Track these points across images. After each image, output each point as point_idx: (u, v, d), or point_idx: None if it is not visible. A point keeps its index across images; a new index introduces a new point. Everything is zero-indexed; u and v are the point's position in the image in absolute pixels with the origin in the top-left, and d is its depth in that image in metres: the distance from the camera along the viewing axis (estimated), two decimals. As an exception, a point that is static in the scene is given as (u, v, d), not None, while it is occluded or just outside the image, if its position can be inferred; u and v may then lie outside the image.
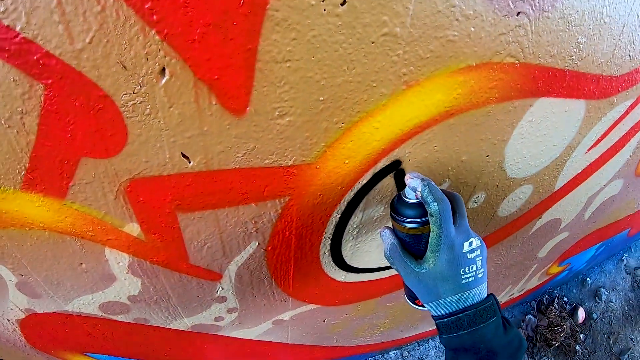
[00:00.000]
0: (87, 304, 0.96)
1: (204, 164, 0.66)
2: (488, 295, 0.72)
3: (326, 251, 1.01)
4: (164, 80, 0.55)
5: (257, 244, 0.89)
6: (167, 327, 1.17)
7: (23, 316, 1.01)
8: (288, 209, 0.82)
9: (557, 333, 2.61)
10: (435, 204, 0.65)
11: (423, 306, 0.77)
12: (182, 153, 0.64)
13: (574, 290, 2.92)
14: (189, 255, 0.86)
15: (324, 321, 1.51)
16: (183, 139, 0.62)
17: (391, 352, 2.44)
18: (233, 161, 0.68)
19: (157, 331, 1.18)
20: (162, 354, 1.39)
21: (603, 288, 2.94)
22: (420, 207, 0.70)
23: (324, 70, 0.61)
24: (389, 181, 0.86)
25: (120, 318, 1.06)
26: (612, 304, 2.92)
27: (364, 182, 0.83)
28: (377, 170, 0.82)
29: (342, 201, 0.86)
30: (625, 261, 3.10)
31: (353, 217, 0.92)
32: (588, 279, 2.96)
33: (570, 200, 1.38)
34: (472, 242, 0.70)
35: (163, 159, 0.64)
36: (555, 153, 1.04)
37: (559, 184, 1.21)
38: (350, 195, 0.85)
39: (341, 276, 1.16)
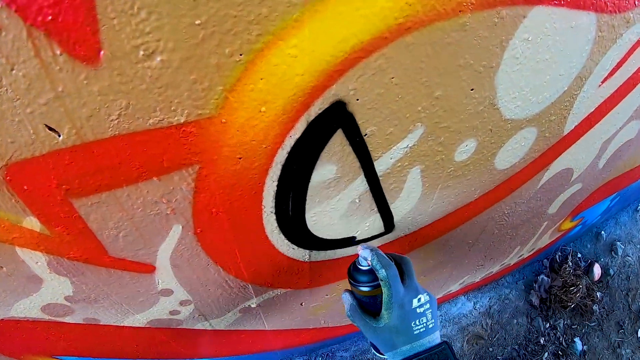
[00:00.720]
0: (28, 308, 0.90)
1: (75, 134, 0.56)
2: (441, 343, 0.81)
3: (274, 228, 0.86)
4: None
5: (180, 227, 0.77)
6: (122, 324, 1.10)
7: (-21, 325, 0.96)
8: (202, 180, 0.69)
9: (573, 293, 2.53)
10: (383, 270, 0.78)
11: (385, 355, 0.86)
12: (45, 125, 0.54)
13: (589, 246, 2.83)
14: (107, 247, 0.76)
15: (301, 304, 1.38)
16: (40, 106, 0.52)
17: None
18: (109, 127, 0.56)
19: (113, 330, 1.12)
20: (129, 350, 1.33)
21: (619, 241, 2.86)
22: (372, 272, 0.82)
23: None
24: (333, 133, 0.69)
25: (68, 320, 1.00)
26: (629, 257, 2.84)
27: (297, 135, 0.67)
28: (311, 117, 0.65)
29: (273, 164, 0.70)
30: None
31: (296, 183, 0.77)
32: (603, 232, 2.87)
33: (582, 145, 1.24)
34: (420, 298, 0.81)
35: (28, 136, 0.54)
36: (562, 85, 0.89)
37: (569, 126, 1.07)
38: (282, 155, 0.69)
39: (304, 256, 1.02)
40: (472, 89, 0.74)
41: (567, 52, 0.81)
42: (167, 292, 0.99)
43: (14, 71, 0.48)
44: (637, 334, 2.60)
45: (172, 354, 1.50)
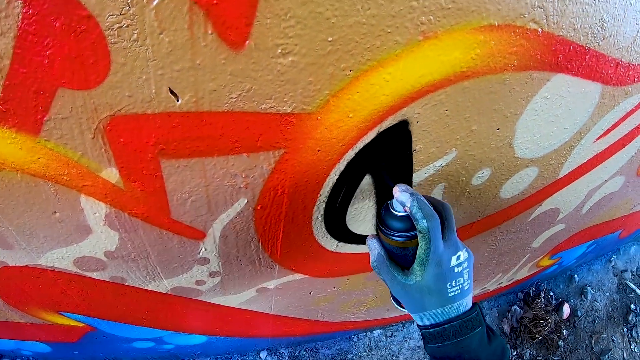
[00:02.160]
0: (61, 258, 0.91)
1: (194, 102, 0.60)
2: (473, 305, 0.73)
3: (319, 216, 0.95)
4: (155, 2, 0.49)
5: (245, 201, 0.83)
6: (145, 288, 1.13)
7: (-6, 269, 0.96)
8: (282, 163, 0.76)
9: (542, 327, 2.61)
10: (425, 220, 0.65)
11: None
12: (169, 89, 0.58)
13: (561, 286, 2.92)
14: (171, 209, 0.80)
15: (310, 293, 1.47)
16: (172, 72, 0.56)
17: (375, 331, 2.42)
18: (226, 103, 0.62)
19: (134, 292, 1.14)
20: (139, 316, 1.36)
21: (589, 287, 2.95)
22: (409, 220, 0.70)
23: (335, 7, 0.56)
24: (392, 144, 0.82)
25: (95, 275, 1.01)
26: (597, 303, 2.93)
27: (367, 141, 0.78)
28: (382, 129, 0.76)
29: (341, 160, 0.80)
30: (613, 262, 3.11)
31: (351, 179, 0.87)
32: (576, 276, 2.96)
33: (572, 190, 1.36)
34: (459, 255, 0.70)
35: (148, 94, 0.58)
36: (565, 137, 1.02)
37: (564, 171, 1.19)
38: (350, 154, 0.79)
39: (333, 245, 1.10)
40: (498, 129, 0.87)
41: (574, 111, 0.93)
42: (204, 261, 1.02)
43: (162, 35, 0.52)
44: None
45: (177, 325, 1.55)
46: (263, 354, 2.23)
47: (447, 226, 0.71)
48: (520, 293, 2.80)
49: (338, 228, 1.03)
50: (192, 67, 0.56)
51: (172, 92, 0.58)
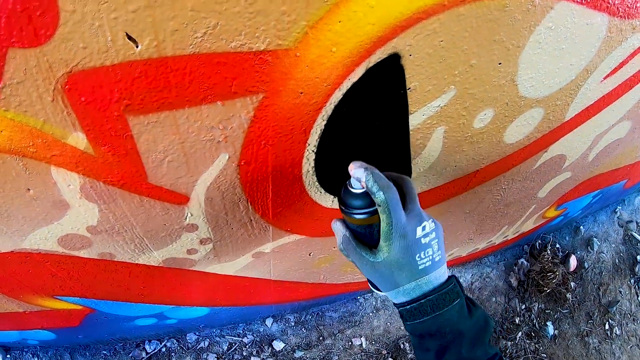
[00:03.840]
0: (44, 239, 0.87)
1: (155, 47, 0.54)
2: (449, 278, 0.73)
3: (310, 168, 0.89)
4: None
5: (227, 156, 0.77)
6: (136, 262, 1.09)
7: (-19, 259, 0.92)
8: (262, 110, 0.69)
9: (549, 279, 2.62)
10: (381, 192, 0.64)
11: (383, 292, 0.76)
12: (126, 34, 0.52)
13: (567, 238, 2.92)
14: (148, 173, 0.75)
15: (309, 254, 1.43)
16: (127, 13, 0.50)
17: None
18: (191, 44, 0.55)
19: (125, 267, 1.10)
20: (135, 292, 1.33)
21: (595, 238, 2.96)
22: (368, 196, 0.68)
23: None
24: (384, 82, 0.75)
25: (82, 254, 0.97)
26: (604, 254, 2.95)
27: (355, 79, 0.70)
28: (370, 64, 0.69)
29: (328, 103, 0.73)
30: (618, 213, 3.12)
31: (341, 125, 0.80)
32: (582, 227, 2.96)
33: (578, 135, 1.32)
34: (425, 226, 0.69)
35: (104, 42, 0.52)
36: (571, 74, 0.96)
37: (570, 113, 1.13)
38: (337, 95, 0.72)
39: (328, 201, 1.05)
40: (500, 63, 0.81)
41: (580, 45, 0.87)
42: (192, 228, 0.98)
43: None
44: (604, 326, 2.71)
45: (175, 298, 1.52)
46: (269, 321, 2.24)
47: (408, 198, 0.70)
48: (526, 246, 2.80)
49: (332, 181, 0.98)
50: (148, 6, 0.50)
51: (129, 37, 0.52)
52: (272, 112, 0.70)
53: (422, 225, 0.69)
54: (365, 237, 0.72)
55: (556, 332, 2.64)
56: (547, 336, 2.63)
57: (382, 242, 0.69)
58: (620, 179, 2.34)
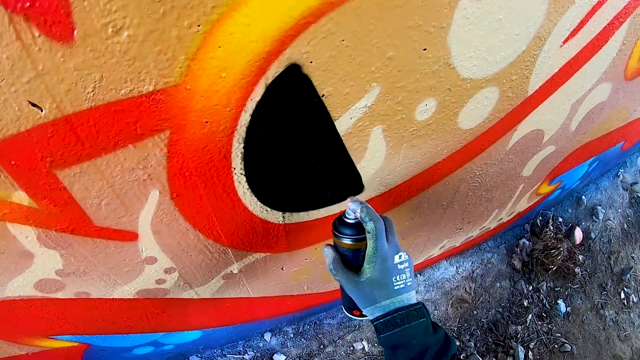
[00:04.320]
0: (22, 286, 0.93)
1: (56, 108, 0.59)
2: (418, 302, 0.84)
3: (245, 190, 0.89)
4: None
5: (157, 192, 0.80)
6: (112, 297, 1.13)
7: (-24, 309, 0.99)
8: (173, 144, 0.72)
9: (554, 256, 2.55)
10: (372, 222, 0.79)
11: (359, 316, 0.89)
12: (29, 102, 0.57)
13: (569, 210, 2.85)
14: (91, 217, 0.80)
15: (282, 269, 1.40)
16: (23, 85, 0.55)
17: None
18: (85, 99, 0.59)
19: (104, 303, 1.15)
20: (122, 325, 1.37)
21: (600, 206, 2.88)
22: (359, 226, 0.83)
23: None
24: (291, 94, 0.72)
25: (60, 295, 1.02)
26: (610, 222, 2.88)
27: (258, 98, 0.70)
28: (269, 80, 0.68)
29: (238, 126, 0.73)
30: (621, 177, 3.04)
31: (261, 144, 0.80)
32: (583, 197, 2.89)
33: (549, 106, 1.26)
34: (401, 255, 0.83)
35: (13, 113, 0.57)
36: (520, 45, 0.91)
37: (533, 86, 1.08)
38: (245, 117, 0.72)
39: (278, 218, 1.04)
40: (424, 49, 0.75)
41: (522, 11, 0.82)
42: (151, 260, 1.01)
43: None
44: (619, 295, 2.65)
45: (163, 326, 1.52)
46: (267, 336, 2.22)
47: (389, 232, 0.84)
48: (526, 225, 2.74)
49: (275, 198, 0.97)
50: (37, 75, 0.55)
51: (33, 104, 0.58)
52: (184, 145, 0.73)
53: (399, 254, 0.83)
54: (352, 260, 0.85)
55: (569, 309, 2.58)
56: (559, 315, 2.56)
57: (366, 265, 0.82)
58: (615, 142, 2.28)
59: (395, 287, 0.82)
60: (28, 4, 0.48)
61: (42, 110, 0.59)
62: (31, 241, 0.80)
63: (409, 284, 0.84)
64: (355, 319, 0.91)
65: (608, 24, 1.07)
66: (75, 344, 1.39)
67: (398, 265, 0.83)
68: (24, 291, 0.95)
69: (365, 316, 0.86)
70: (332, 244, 0.89)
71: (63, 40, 0.53)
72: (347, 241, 0.84)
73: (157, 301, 1.27)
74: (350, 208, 0.82)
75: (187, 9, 0.55)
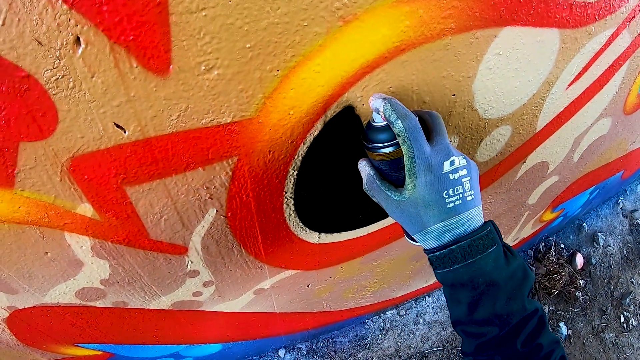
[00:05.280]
0: (63, 293, 0.96)
1: (139, 131, 0.64)
2: (486, 222, 0.66)
3: (291, 212, 0.97)
4: (80, 50, 0.53)
5: (215, 211, 0.86)
6: (148, 307, 1.17)
7: (7, 314, 1.00)
8: (239, 169, 0.78)
9: (556, 281, 2.59)
10: (399, 121, 0.60)
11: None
12: (114, 123, 0.62)
13: (571, 237, 2.90)
14: (148, 231, 0.84)
15: (307, 286, 1.48)
16: (112, 108, 0.60)
17: (388, 312, 2.42)
18: (168, 125, 0.65)
19: (139, 313, 1.18)
20: (150, 335, 1.40)
21: (600, 232, 2.92)
22: (391, 129, 0.65)
23: (245, 15, 0.57)
24: (343, 131, 0.81)
25: (99, 304, 1.05)
26: (611, 248, 2.91)
27: (316, 133, 0.78)
28: (327, 118, 0.76)
29: (296, 156, 0.81)
30: (621, 204, 3.08)
31: (312, 172, 0.87)
32: (584, 224, 2.93)
33: (555, 141, 1.34)
34: (453, 160, 0.63)
35: (97, 132, 0.62)
36: (531, 89, 0.98)
37: (541, 124, 1.16)
38: (303, 149, 0.80)
39: (314, 238, 1.12)
40: (453, 95, 0.85)
41: (535, 62, 0.89)
42: (194, 274, 1.05)
43: (94, 78, 0.55)
44: (619, 319, 2.66)
45: (188, 338, 1.56)
46: (282, 352, 2.25)
47: (434, 131, 0.65)
48: (529, 250, 2.78)
49: (315, 220, 1.04)
50: (128, 100, 0.59)
51: (118, 126, 0.62)
52: (247, 170, 0.79)
53: (450, 159, 0.63)
54: (391, 175, 0.69)
55: (570, 332, 2.61)
56: (561, 337, 2.59)
57: (407, 178, 0.64)
58: (615, 172, 2.32)
59: (449, 205, 0.63)
60: (132, 37, 0.53)
61: (125, 132, 0.63)
62: (85, 250, 0.82)
63: (468, 198, 0.64)
64: (414, 245, 0.72)
65: (609, 67, 1.13)
66: (99, 353, 1.41)
67: (450, 174, 0.63)
68: (64, 298, 0.97)
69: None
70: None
71: (158, 73, 0.58)
72: (379, 151, 0.67)
73: (188, 313, 1.30)
74: (374, 107, 0.65)
75: (271, 56, 0.62)
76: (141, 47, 0.55)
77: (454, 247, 0.63)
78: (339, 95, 0.73)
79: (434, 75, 0.79)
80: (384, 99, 0.62)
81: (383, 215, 1.15)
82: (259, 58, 0.62)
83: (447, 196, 0.63)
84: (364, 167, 0.71)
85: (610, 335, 2.62)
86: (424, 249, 0.69)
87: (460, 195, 0.63)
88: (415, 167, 0.62)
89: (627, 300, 2.73)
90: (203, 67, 0.60)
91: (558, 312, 2.64)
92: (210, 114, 0.66)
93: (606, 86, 1.23)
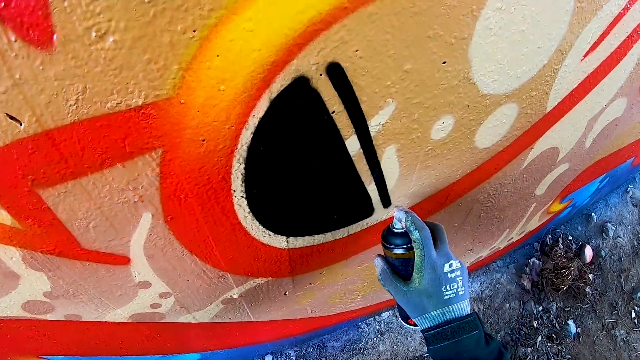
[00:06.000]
0: (9, 307, 0.91)
1: (36, 122, 0.56)
2: (471, 313, 0.82)
3: (246, 214, 0.84)
4: None
5: (150, 215, 0.76)
6: (104, 320, 1.10)
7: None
8: (167, 164, 0.67)
9: (565, 276, 2.50)
10: (417, 232, 0.78)
11: (414, 325, 0.86)
12: (6, 114, 0.54)
13: (579, 228, 2.81)
14: (78, 239, 0.76)
15: (284, 294, 1.36)
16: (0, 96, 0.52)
17: (383, 314, 2.35)
18: (68, 113, 0.56)
19: (96, 326, 1.12)
20: (116, 347, 1.34)
21: (609, 223, 2.83)
22: (406, 235, 0.83)
23: None
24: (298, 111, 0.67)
25: (49, 317, 1.00)
26: (621, 239, 2.82)
27: (261, 114, 0.64)
28: (273, 95, 0.63)
29: (238, 145, 0.68)
30: (630, 193, 2.99)
31: (265, 165, 0.75)
32: (593, 214, 2.84)
33: (567, 123, 1.22)
34: (452, 263, 0.81)
35: None
36: (541, 59, 0.86)
37: (552, 102, 1.04)
38: (247, 135, 0.67)
39: (282, 242, 0.99)
40: (444, 62, 0.71)
41: (545, 23, 0.78)
42: (145, 285, 0.98)
43: None
44: (630, 314, 2.59)
45: (160, 349, 1.49)
46: (268, 358, 2.17)
47: (439, 240, 0.83)
48: (536, 243, 2.69)
49: (278, 222, 0.92)
50: (15, 84, 0.52)
51: (10, 117, 0.55)
52: (178, 165, 0.69)
53: (449, 262, 0.81)
54: (401, 270, 0.86)
55: (579, 329, 2.53)
56: (569, 336, 2.51)
57: (415, 274, 0.81)
58: (626, 158, 2.23)
59: (446, 297, 0.81)
60: (3, 4, 0.45)
61: (21, 124, 0.55)
62: (16, 262, 0.77)
63: (460, 293, 0.82)
64: (411, 328, 0.90)
65: (627, 37, 1.03)
66: (68, 366, 1.34)
67: (448, 274, 0.81)
68: (12, 311, 0.93)
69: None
70: (383, 254, 0.90)
71: (42, 46, 0.50)
72: (396, 251, 0.85)
73: (153, 325, 1.24)
74: (397, 217, 0.83)
75: (181, 11, 0.50)
76: (16, 15, 0.46)
77: (446, 327, 0.79)
78: (285, 62, 0.59)
79: (416, 35, 0.64)
80: (406, 212, 0.82)
81: (365, 214, 1.06)
82: (164, 15, 0.50)
83: (444, 290, 0.80)
84: (378, 263, 0.88)
85: (621, 332, 2.54)
86: (421, 330, 0.84)
87: (455, 291, 0.81)
88: (424, 267, 0.79)
89: (639, 294, 2.64)
90: (94, 34, 0.50)
91: (567, 309, 2.57)
92: (115, 95, 0.56)
93: (624, 60, 1.13)
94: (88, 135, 0.59)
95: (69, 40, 0.49)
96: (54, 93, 0.54)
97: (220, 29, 0.53)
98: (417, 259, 0.80)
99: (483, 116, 0.91)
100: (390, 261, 0.88)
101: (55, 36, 0.49)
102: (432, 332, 0.81)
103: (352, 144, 0.78)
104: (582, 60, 0.97)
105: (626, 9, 0.91)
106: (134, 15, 0.49)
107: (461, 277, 0.83)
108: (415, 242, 0.79)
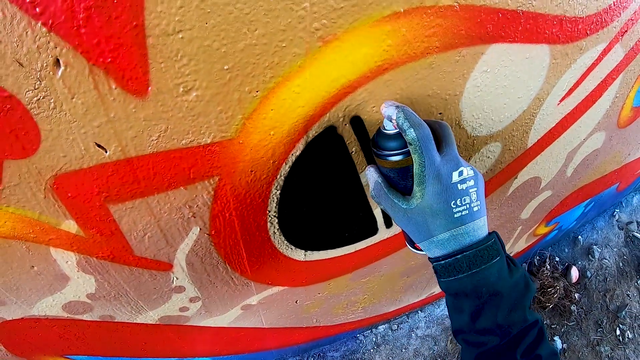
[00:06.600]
0: (50, 306, 0.96)
1: (120, 151, 0.65)
2: (490, 233, 0.66)
3: (276, 231, 0.96)
4: (60, 72, 0.54)
5: (198, 229, 0.86)
6: (135, 321, 1.17)
7: (-4, 325, 1.02)
8: (221, 189, 0.78)
9: (551, 294, 2.57)
10: (412, 130, 0.59)
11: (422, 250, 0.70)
12: (95, 143, 0.62)
13: (566, 250, 2.88)
14: (133, 247, 0.85)
15: (295, 302, 1.46)
16: (92, 128, 0.61)
17: (380, 327, 2.41)
18: (149, 145, 0.65)
19: (126, 327, 1.19)
20: (138, 349, 1.40)
21: (595, 245, 2.90)
22: (401, 137, 0.64)
23: (221, 37, 0.57)
24: (326, 151, 0.81)
25: (86, 317, 1.06)
26: (606, 260, 2.89)
27: (298, 153, 0.78)
28: (309, 139, 0.76)
29: (278, 176, 0.81)
30: (617, 216, 3.06)
31: (295, 191, 0.87)
32: (580, 237, 2.91)
33: (547, 156, 1.32)
34: (462, 171, 0.63)
35: (79, 151, 0.63)
36: (521, 106, 0.97)
37: (532, 140, 1.14)
38: (285, 169, 0.80)
39: (301, 255, 1.11)
40: (440, 113, 0.83)
41: (524, 78, 0.88)
42: (180, 289, 1.06)
43: (74, 99, 0.56)
44: (615, 332, 2.64)
45: (175, 352, 1.56)
46: None
47: (444, 141, 0.65)
48: (524, 264, 2.76)
49: (300, 238, 1.03)
50: (108, 121, 0.60)
51: (99, 145, 0.63)
52: (229, 189, 0.79)
53: (459, 170, 0.63)
54: (399, 182, 0.68)
55: (565, 345, 2.59)
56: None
57: (415, 187, 0.63)
58: (610, 184, 2.29)
59: (456, 215, 0.63)
60: (110, 59, 0.54)
61: (106, 152, 0.64)
62: (70, 265, 0.83)
63: (475, 209, 0.64)
64: (418, 253, 0.73)
65: (601, 82, 1.11)
66: (86, 365, 1.41)
67: (458, 184, 0.63)
68: (51, 311, 0.98)
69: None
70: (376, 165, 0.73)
71: (137, 94, 0.58)
72: (389, 159, 0.66)
73: (176, 327, 1.30)
74: (386, 115, 0.64)
75: (249, 77, 0.62)
76: (119, 69, 0.55)
77: (459, 256, 0.63)
78: (320, 115, 0.73)
79: (419, 94, 0.78)
80: (397, 106, 0.61)
81: (370, 233, 1.15)
82: (237, 79, 0.62)
83: (454, 206, 0.63)
84: (371, 174, 0.70)
85: (606, 348, 2.60)
86: (429, 258, 0.69)
87: (467, 206, 0.63)
88: (425, 176, 0.62)
89: (623, 313, 2.71)
90: (181, 89, 0.60)
91: (553, 326, 2.63)
92: (190, 135, 0.66)
93: (599, 100, 1.21)
94: (162, 163, 0.68)
95: (161, 92, 0.59)
96: (141, 130, 0.62)
97: (276, 91, 0.65)
98: (416, 167, 0.62)
99: (471, 153, 1.02)
100: (385, 172, 0.69)
101: (150, 88, 0.58)
102: (442, 262, 0.65)
103: (364, 176, 0.87)
104: (558, 104, 1.06)
105: (599, 59, 0.99)
106: (214, 77, 0.60)
107: (475, 189, 0.64)
108: (411, 144, 0.60)
